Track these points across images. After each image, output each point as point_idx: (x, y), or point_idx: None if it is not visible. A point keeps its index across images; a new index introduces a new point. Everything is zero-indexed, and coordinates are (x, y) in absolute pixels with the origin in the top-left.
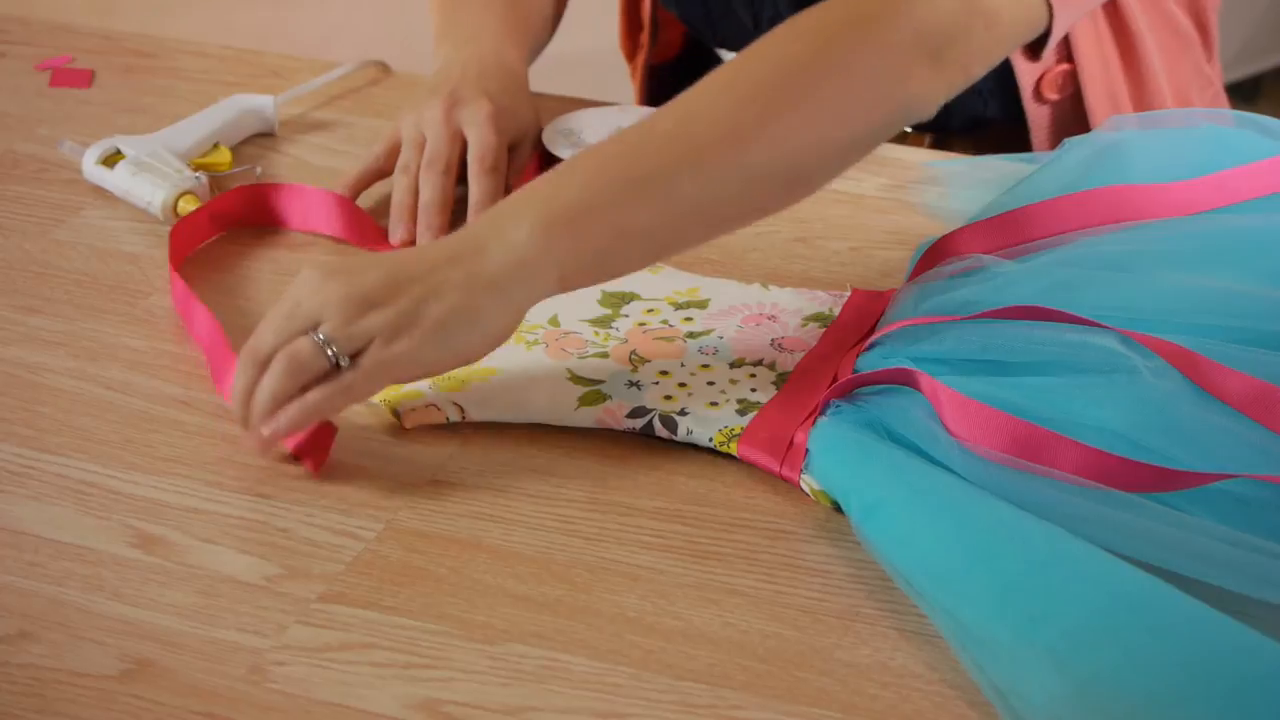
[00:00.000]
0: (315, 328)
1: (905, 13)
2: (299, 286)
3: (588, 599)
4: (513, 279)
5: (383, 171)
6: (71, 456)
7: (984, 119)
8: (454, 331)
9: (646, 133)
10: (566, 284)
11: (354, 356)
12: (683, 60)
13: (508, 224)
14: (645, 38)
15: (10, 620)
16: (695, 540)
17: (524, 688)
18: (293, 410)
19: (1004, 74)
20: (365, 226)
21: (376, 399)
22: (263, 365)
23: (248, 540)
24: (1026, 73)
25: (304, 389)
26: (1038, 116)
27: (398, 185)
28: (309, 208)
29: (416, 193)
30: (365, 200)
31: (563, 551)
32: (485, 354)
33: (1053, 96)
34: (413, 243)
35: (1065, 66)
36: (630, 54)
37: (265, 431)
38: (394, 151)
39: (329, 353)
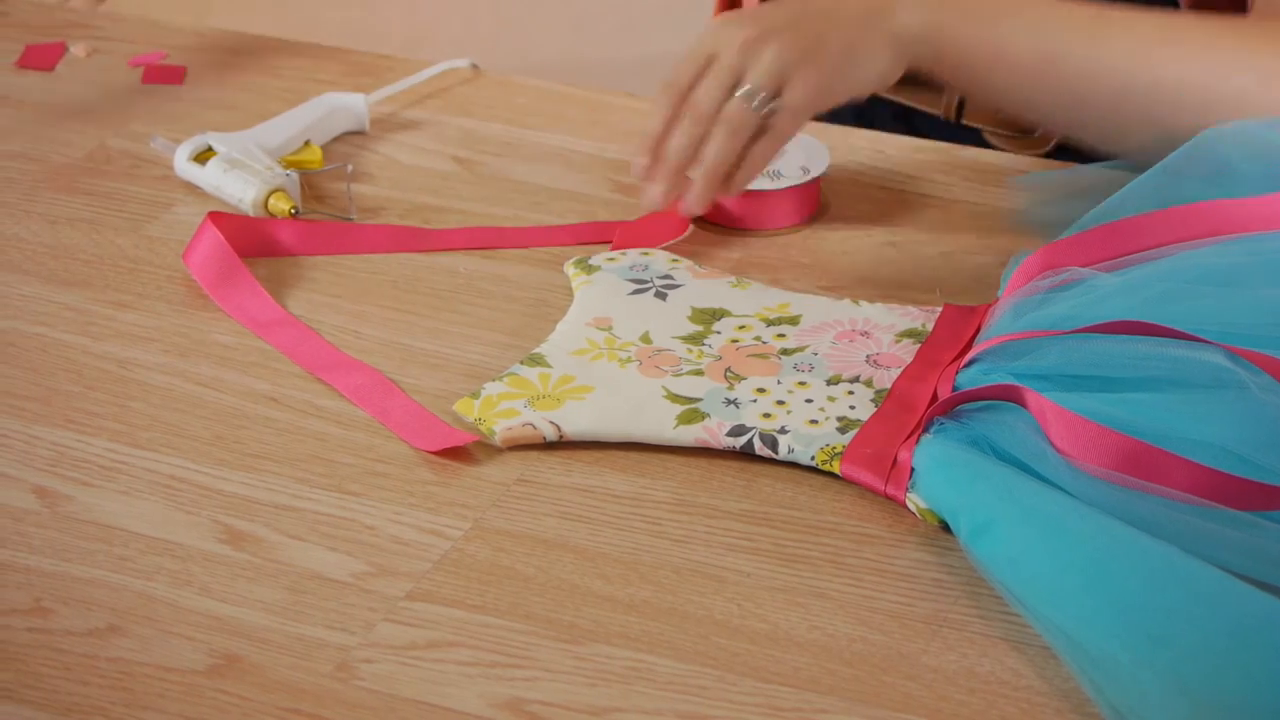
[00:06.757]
0: (740, 80)
1: None
2: (712, 41)
3: (674, 600)
4: (901, 37)
5: None
6: (161, 452)
7: None
8: (854, 62)
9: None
10: (939, 58)
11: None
12: None
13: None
14: None
15: (100, 614)
16: (782, 543)
17: (609, 688)
18: (747, 167)
19: None
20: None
21: (471, 418)
22: (700, 122)
23: (335, 537)
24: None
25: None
26: None
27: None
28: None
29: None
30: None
31: (649, 553)
32: (867, 92)
33: None
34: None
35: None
36: None
37: (721, 192)
38: None
39: (758, 107)
